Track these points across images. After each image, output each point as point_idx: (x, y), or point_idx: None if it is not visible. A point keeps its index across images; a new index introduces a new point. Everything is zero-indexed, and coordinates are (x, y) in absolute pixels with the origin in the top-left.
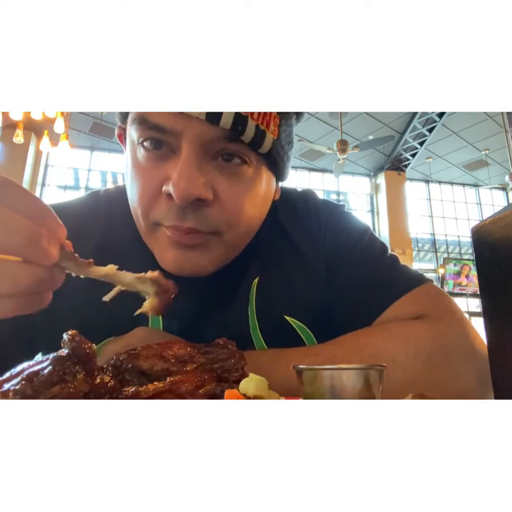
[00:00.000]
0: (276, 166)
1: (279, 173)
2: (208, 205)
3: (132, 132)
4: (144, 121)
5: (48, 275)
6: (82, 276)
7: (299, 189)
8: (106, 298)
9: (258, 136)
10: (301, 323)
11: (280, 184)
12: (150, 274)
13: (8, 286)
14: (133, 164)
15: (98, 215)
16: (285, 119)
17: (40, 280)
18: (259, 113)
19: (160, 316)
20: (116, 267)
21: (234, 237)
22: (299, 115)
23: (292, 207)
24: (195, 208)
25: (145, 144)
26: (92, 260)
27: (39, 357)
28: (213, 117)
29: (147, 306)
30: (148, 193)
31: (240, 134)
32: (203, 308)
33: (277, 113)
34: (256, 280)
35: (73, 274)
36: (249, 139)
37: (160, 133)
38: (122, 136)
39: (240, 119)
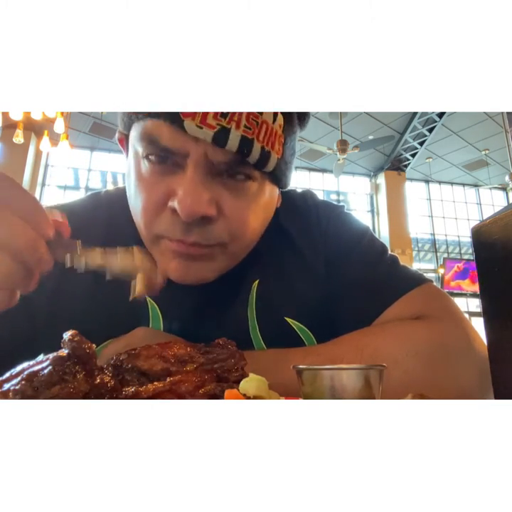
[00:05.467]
0: (280, 180)
1: (281, 185)
2: (213, 222)
3: (137, 145)
4: (153, 142)
5: (21, 274)
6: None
7: (299, 190)
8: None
9: (263, 157)
10: (301, 325)
11: None
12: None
13: None
14: (136, 175)
15: (99, 216)
16: (289, 136)
17: (12, 275)
18: (265, 134)
19: (160, 317)
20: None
21: (237, 247)
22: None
23: (292, 207)
24: (199, 224)
25: (150, 157)
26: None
27: (40, 357)
28: (220, 140)
29: (138, 284)
30: (152, 206)
31: (245, 155)
32: (204, 310)
33: (282, 132)
34: (256, 282)
35: (73, 265)
36: (254, 160)
37: (167, 152)
38: (123, 141)
39: (246, 141)
